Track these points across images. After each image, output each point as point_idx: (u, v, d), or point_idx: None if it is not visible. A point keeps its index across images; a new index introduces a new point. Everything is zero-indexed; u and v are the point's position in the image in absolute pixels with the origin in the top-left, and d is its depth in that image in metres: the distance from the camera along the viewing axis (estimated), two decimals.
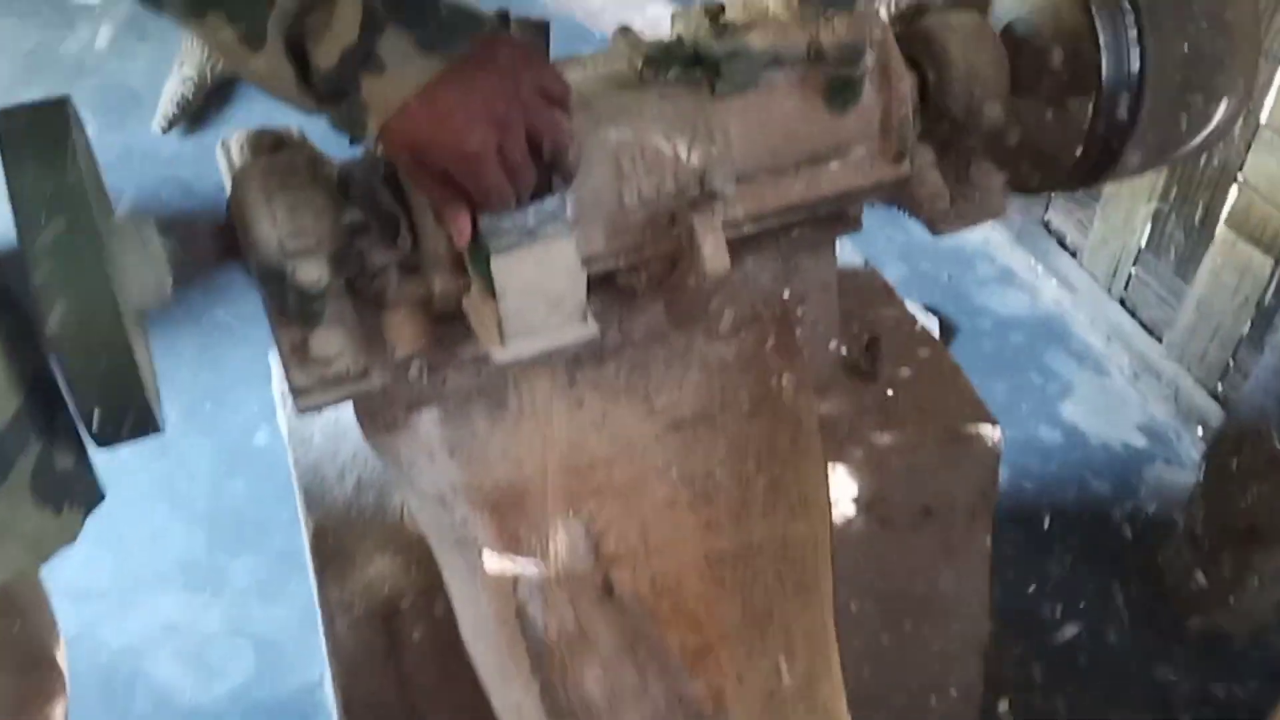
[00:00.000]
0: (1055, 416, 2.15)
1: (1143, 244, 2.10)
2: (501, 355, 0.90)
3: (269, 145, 0.93)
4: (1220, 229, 1.90)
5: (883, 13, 1.13)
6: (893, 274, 2.35)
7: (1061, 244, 2.33)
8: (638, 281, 1.04)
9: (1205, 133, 1.14)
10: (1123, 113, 1.07)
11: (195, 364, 2.10)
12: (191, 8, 0.77)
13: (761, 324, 1.14)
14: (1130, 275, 2.15)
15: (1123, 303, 2.19)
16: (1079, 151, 1.11)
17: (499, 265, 0.86)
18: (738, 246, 1.05)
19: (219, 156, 1.00)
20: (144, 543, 1.85)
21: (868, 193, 1.06)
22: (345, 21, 0.77)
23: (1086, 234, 2.25)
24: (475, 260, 0.89)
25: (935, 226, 1.13)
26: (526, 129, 0.83)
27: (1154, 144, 1.11)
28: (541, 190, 0.86)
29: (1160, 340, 2.12)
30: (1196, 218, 1.97)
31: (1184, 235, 2.01)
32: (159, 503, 1.91)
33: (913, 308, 2.31)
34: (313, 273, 0.90)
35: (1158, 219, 2.06)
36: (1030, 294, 2.38)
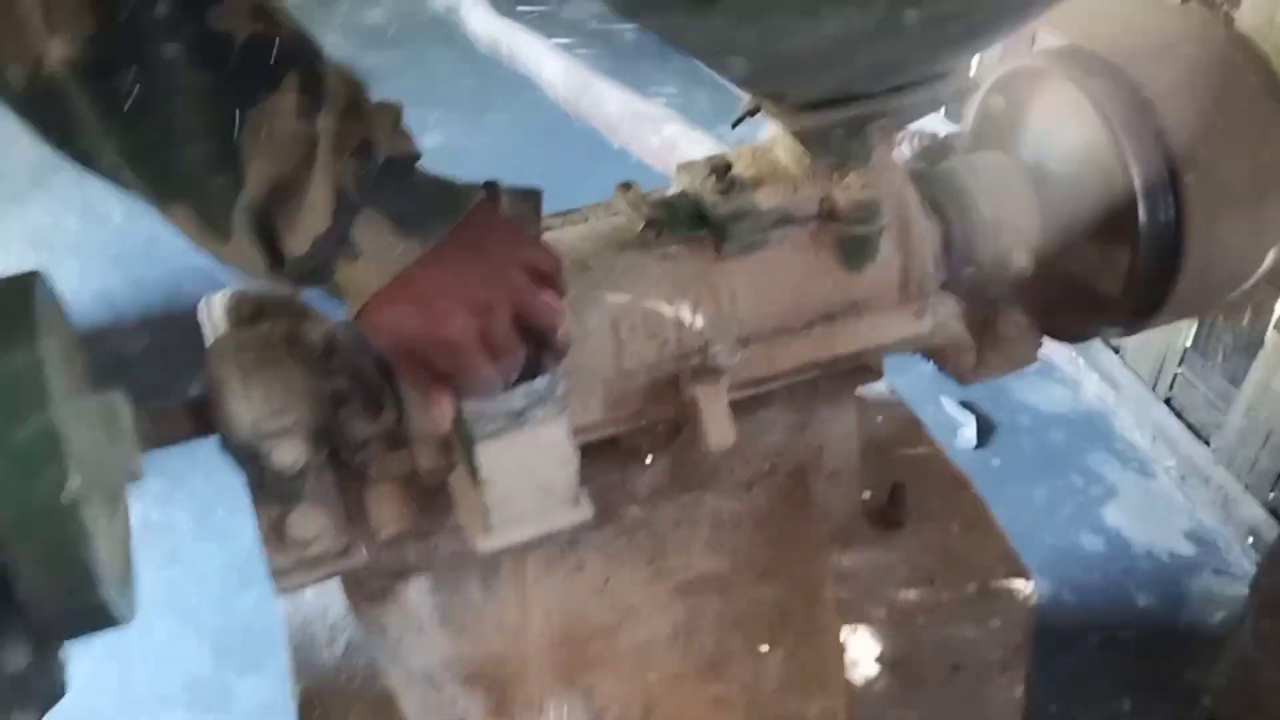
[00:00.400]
0: (1098, 522, 2.06)
1: (1188, 344, 2.02)
2: (485, 544, 0.84)
3: (248, 314, 0.89)
4: (1270, 334, 1.81)
5: (905, 149, 1.07)
6: (927, 367, 2.28)
7: (1104, 339, 2.24)
8: (641, 443, 0.98)
9: (1260, 274, 1.07)
10: (1165, 258, 1.01)
11: (208, 466, 2.04)
12: (156, 198, 0.72)
13: (776, 479, 1.08)
14: (1176, 376, 2.07)
15: (1168, 403, 2.10)
16: (1118, 298, 1.04)
17: (483, 452, 0.81)
18: (749, 401, 0.99)
19: (200, 315, 0.95)
20: (149, 658, 1.80)
21: (887, 350, 1.00)
22: (317, 207, 0.72)
23: None
24: (459, 444, 0.83)
25: (962, 379, 1.06)
26: (513, 310, 0.78)
27: (1201, 290, 1.04)
28: (531, 370, 0.81)
29: (1208, 444, 2.02)
30: (1244, 321, 1.88)
31: (1232, 338, 1.93)
32: (166, 614, 1.86)
33: (949, 405, 2.25)
34: (290, 454, 0.85)
35: (1203, 320, 1.97)
36: (1072, 389, 2.30)
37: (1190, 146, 0.97)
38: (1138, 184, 0.98)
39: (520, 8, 3.23)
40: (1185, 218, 0.98)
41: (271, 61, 0.71)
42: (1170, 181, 0.98)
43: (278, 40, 0.72)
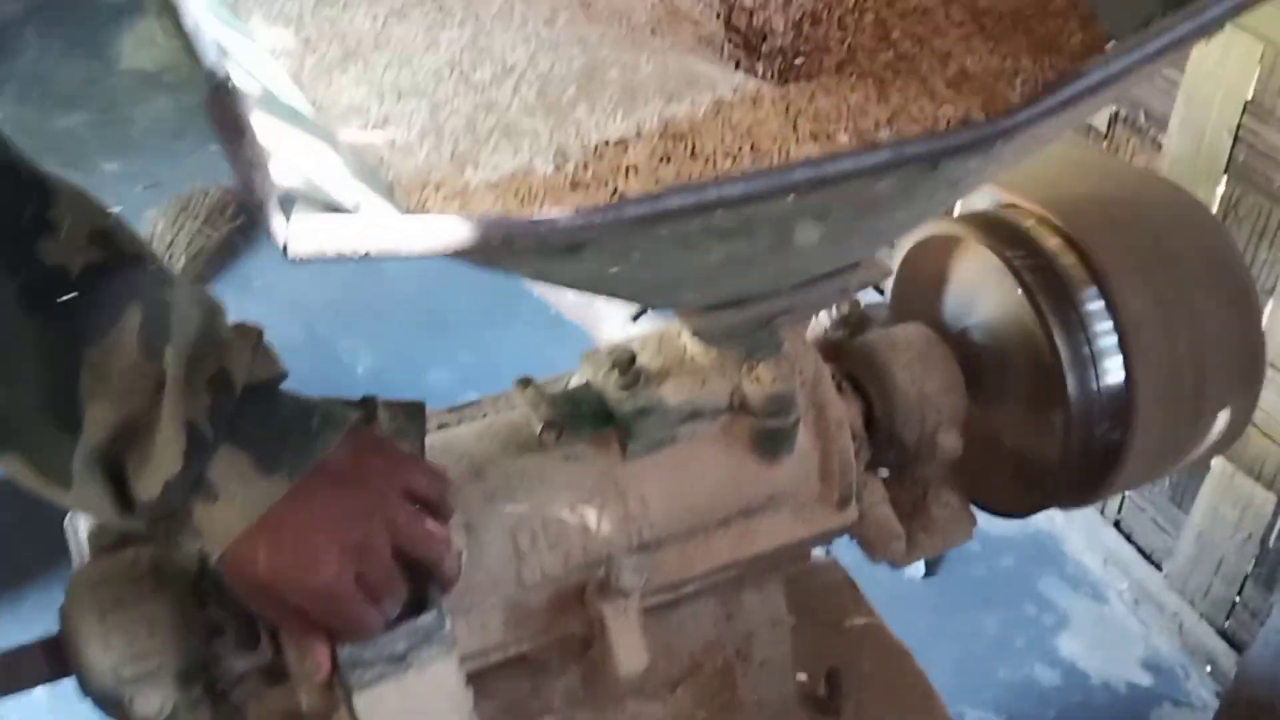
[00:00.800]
0: (1053, 653, 1.99)
1: None
2: None
3: (109, 544, 0.81)
4: (1216, 460, 1.78)
5: (823, 317, 1.02)
6: None
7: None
8: (550, 656, 0.91)
9: (1210, 441, 1.03)
10: (1104, 430, 0.96)
11: None
12: None
13: (702, 677, 1.00)
14: (1123, 499, 2.02)
15: (1118, 525, 2.06)
16: (1057, 471, 0.99)
17: (362, 702, 0.73)
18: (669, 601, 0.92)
19: (66, 532, 0.88)
20: None
21: (812, 543, 0.94)
22: (166, 449, 0.65)
23: None
24: (339, 689, 0.75)
25: (894, 563, 1.00)
26: (394, 543, 0.71)
27: (1143, 464, 0.99)
28: (415, 606, 0.74)
29: (1160, 568, 1.97)
30: None
31: None
32: None
33: None
34: (154, 701, 0.77)
35: None
36: None
37: (1125, 317, 0.93)
38: (1064, 356, 0.93)
39: None
40: (1127, 390, 0.93)
41: (111, 293, 0.65)
42: (1100, 352, 0.94)
43: (118, 268, 0.66)
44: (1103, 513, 2.07)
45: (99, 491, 0.66)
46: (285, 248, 0.40)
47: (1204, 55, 1.57)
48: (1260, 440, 1.69)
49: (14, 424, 0.64)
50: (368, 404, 0.75)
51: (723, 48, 0.78)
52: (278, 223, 0.40)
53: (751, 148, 0.53)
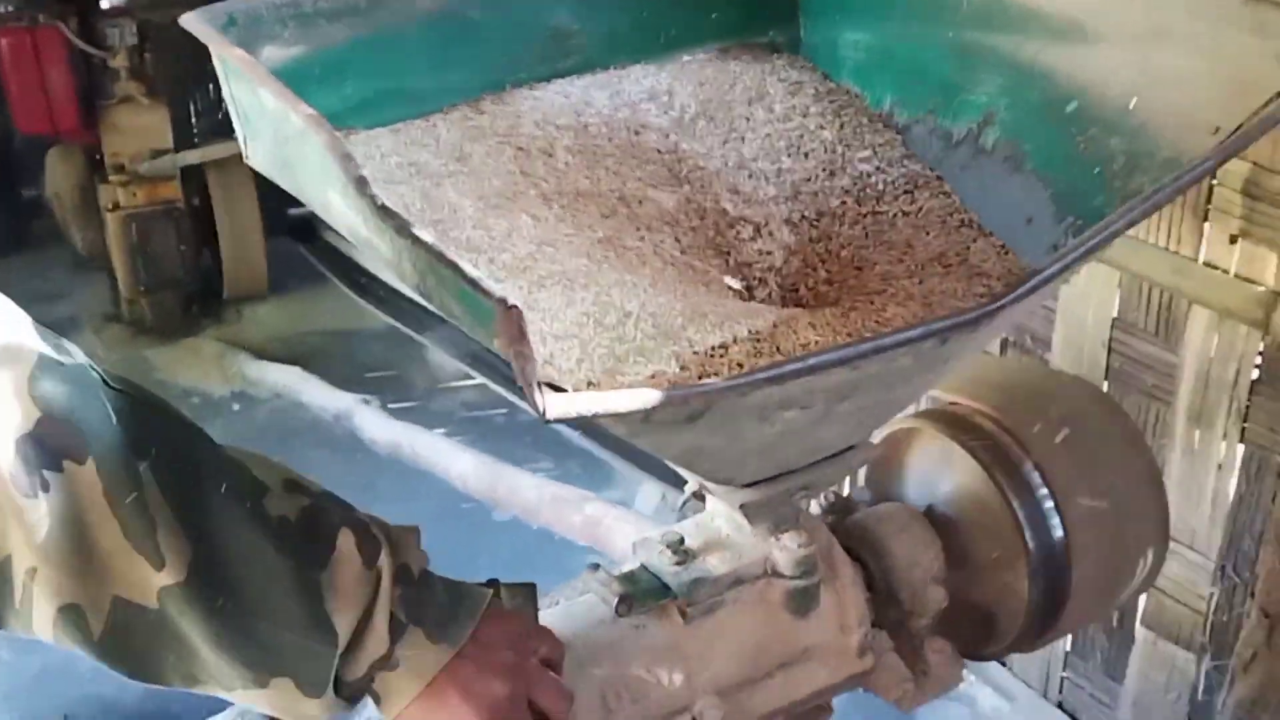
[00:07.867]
0: None
1: (1068, 648, 2.18)
2: None
3: None
4: (1139, 629, 1.99)
5: (814, 507, 1.23)
6: None
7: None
8: None
9: (1137, 581, 1.24)
10: (1056, 575, 1.17)
11: None
12: (251, 680, 0.77)
13: None
14: (1062, 679, 2.21)
15: (1061, 705, 2.24)
16: (1021, 616, 1.19)
17: None
18: None
19: None
20: None
21: (839, 688, 1.12)
22: (376, 637, 0.81)
23: None
24: None
25: (903, 706, 1.18)
26: (526, 696, 0.88)
27: (1089, 600, 1.21)
28: None
29: None
30: (1114, 620, 2.07)
31: (1106, 638, 2.10)
32: None
33: None
34: None
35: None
36: (969, 705, 2.41)
37: (1062, 483, 1.16)
38: (1021, 516, 1.15)
39: (390, 405, 3.43)
40: (1069, 540, 1.15)
41: (324, 525, 0.80)
42: (1048, 511, 1.17)
43: (320, 506, 0.81)
44: (1045, 695, 2.26)
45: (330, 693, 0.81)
46: (544, 413, 0.61)
47: (1073, 284, 1.89)
48: (1175, 607, 1.92)
49: (285, 652, 0.77)
50: (493, 584, 0.93)
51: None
52: (539, 398, 0.60)
53: (815, 343, 0.75)
